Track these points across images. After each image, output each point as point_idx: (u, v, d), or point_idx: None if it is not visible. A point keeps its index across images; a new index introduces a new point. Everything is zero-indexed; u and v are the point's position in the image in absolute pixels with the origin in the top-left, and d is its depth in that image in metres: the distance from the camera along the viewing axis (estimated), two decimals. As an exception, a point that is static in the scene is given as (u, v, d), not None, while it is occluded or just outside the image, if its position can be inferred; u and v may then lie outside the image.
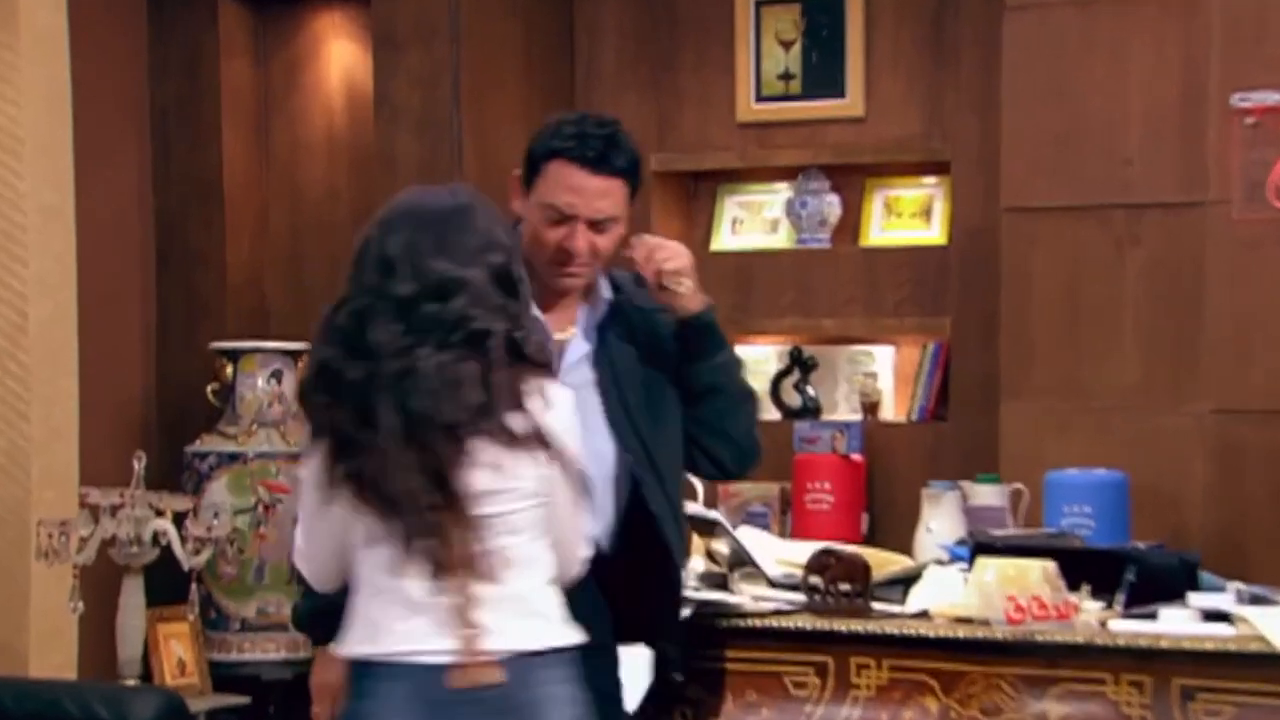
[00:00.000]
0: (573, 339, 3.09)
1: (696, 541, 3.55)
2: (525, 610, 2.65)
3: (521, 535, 2.67)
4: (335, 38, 5.77)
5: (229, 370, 5.57)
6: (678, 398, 3.13)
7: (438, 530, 2.58)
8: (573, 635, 2.73)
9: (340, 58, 5.75)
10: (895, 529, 4.87)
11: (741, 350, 4.88)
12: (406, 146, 5.23)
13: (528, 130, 3.17)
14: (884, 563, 3.68)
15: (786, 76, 5.26)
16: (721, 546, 3.70)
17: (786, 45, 5.25)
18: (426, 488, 2.59)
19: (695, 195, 5.47)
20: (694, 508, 3.61)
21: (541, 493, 2.67)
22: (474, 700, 2.59)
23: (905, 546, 4.42)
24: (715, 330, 3.13)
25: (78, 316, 4.95)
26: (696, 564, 3.57)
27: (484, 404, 2.58)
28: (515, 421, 2.60)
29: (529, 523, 2.68)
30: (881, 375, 5.40)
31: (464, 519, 2.59)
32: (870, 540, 4.95)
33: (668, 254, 3.06)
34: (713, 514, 3.70)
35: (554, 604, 2.69)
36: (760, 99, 5.30)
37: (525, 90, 5.34)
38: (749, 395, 3.21)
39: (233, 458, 5.45)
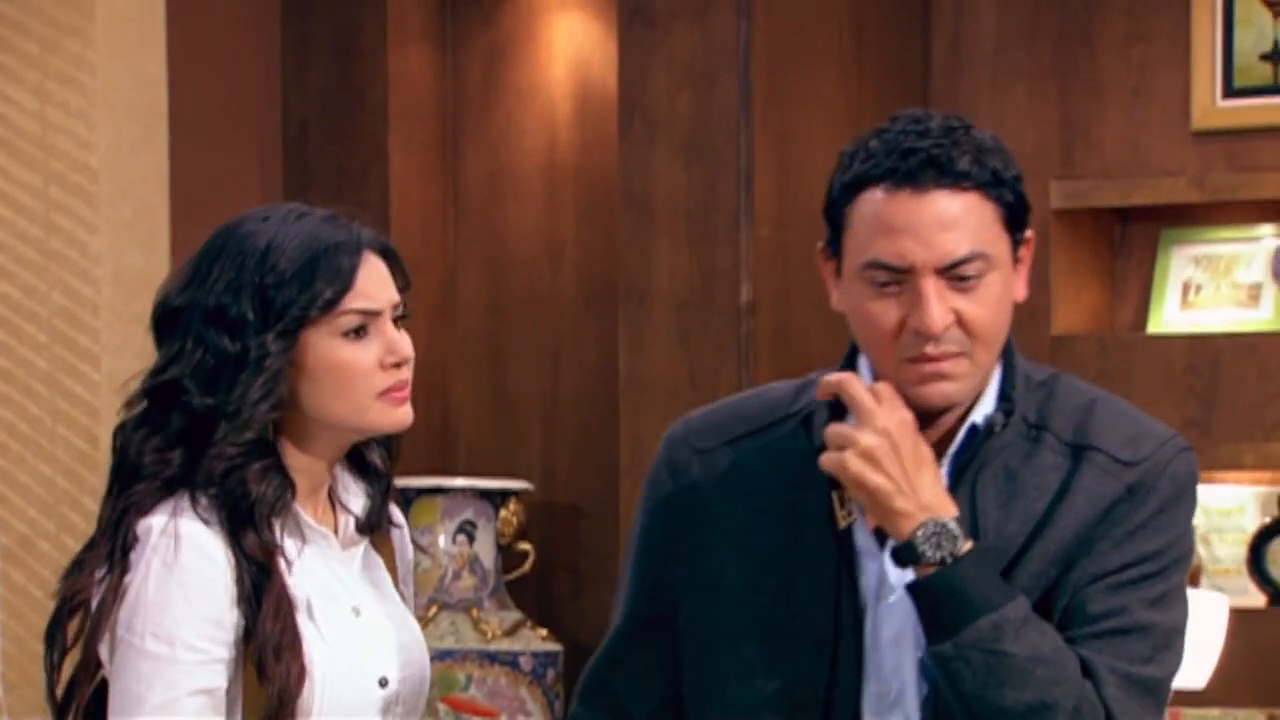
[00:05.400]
0: None
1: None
2: None
3: None
4: (561, 10, 5.10)
5: (397, 520, 4.98)
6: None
7: None
8: None
9: (569, 41, 5.10)
10: None
11: (1202, 493, 4.31)
12: (667, 179, 4.60)
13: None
14: None
15: (1276, 56, 4.55)
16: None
17: (1276, 7, 4.54)
18: None
19: (1123, 246, 4.75)
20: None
21: None
22: None
23: None
24: (941, 592, 2.27)
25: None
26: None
27: None
28: None
29: None
30: None
31: None
32: None
33: (834, 438, 2.30)
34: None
35: None
36: (1231, 93, 4.60)
37: (853, 87, 4.78)
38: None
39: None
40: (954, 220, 2.27)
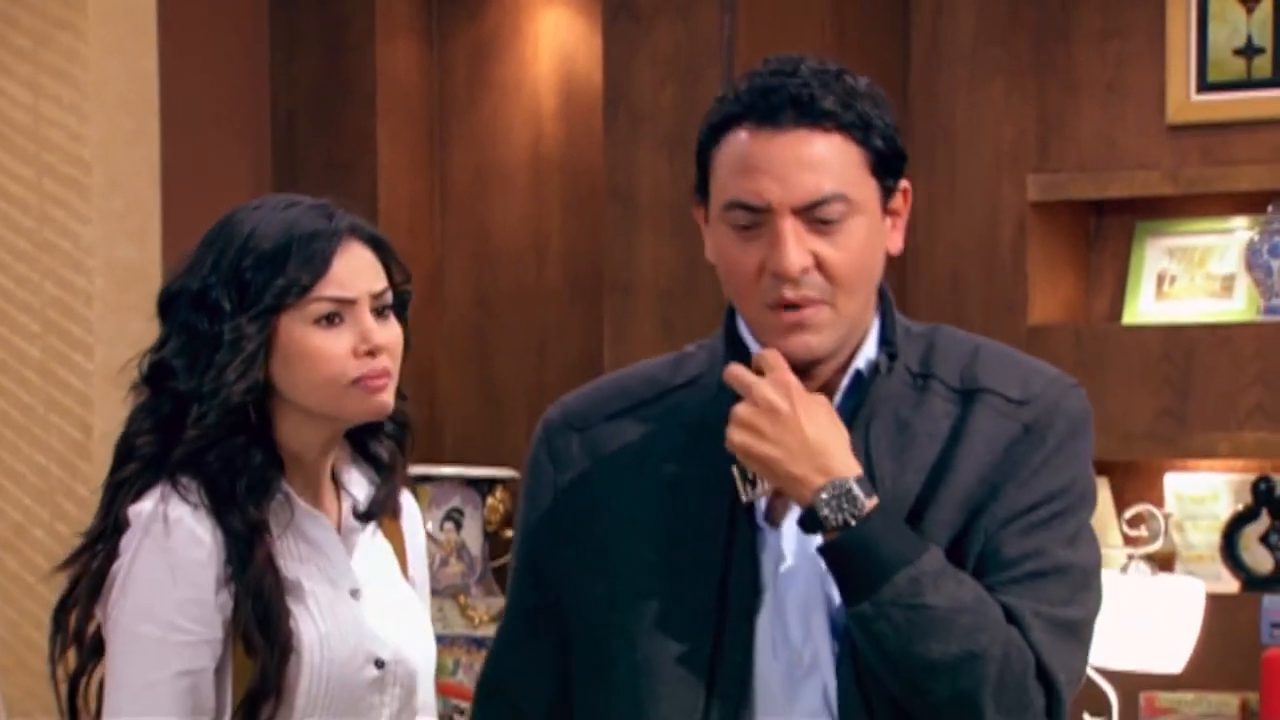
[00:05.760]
0: None
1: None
2: None
3: None
4: (547, 5, 5.04)
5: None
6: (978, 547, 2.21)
7: None
8: None
9: (554, 36, 5.05)
10: None
11: (1176, 481, 4.51)
12: (651, 172, 4.56)
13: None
14: None
15: (1249, 51, 4.51)
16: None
17: (1250, 3, 4.50)
18: None
19: (1099, 238, 4.71)
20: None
21: None
22: None
23: None
24: (852, 553, 2.17)
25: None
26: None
27: None
28: None
29: None
30: None
31: None
32: None
33: (735, 418, 2.18)
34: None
35: None
36: (1205, 87, 4.56)
37: (834, 80, 4.54)
38: (970, 661, 2.18)
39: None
40: (814, 160, 2.15)
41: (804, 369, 2.17)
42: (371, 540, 2.56)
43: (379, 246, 2.50)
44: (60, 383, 4.49)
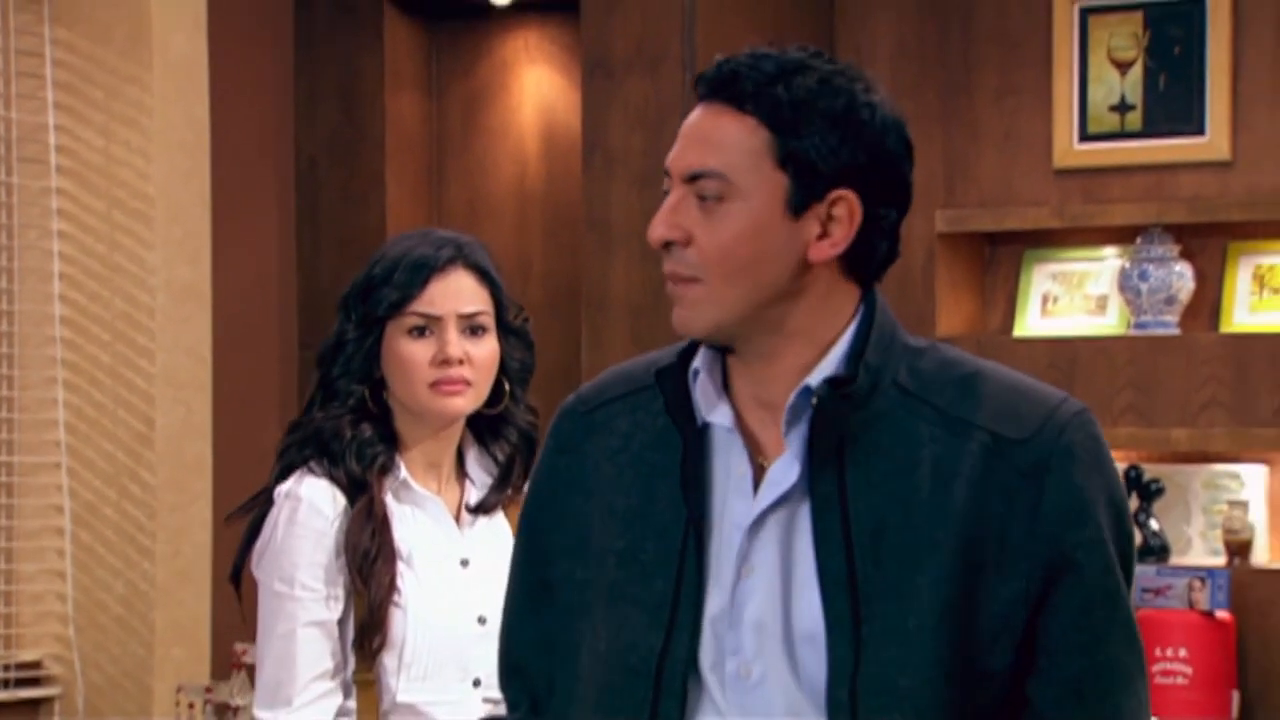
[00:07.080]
0: (778, 462, 1.94)
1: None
2: None
3: None
4: (530, 63, 5.11)
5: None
6: (951, 573, 1.92)
7: None
8: None
9: (536, 89, 5.11)
10: (1278, 711, 4.29)
11: None
12: (624, 206, 4.54)
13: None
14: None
15: (1123, 107, 4.64)
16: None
17: (1123, 66, 4.64)
18: None
19: (993, 263, 4.81)
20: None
21: None
22: None
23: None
24: None
25: (212, 426, 4.73)
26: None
27: None
28: None
29: None
30: (1253, 505, 4.63)
31: None
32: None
33: None
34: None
35: None
36: (1086, 137, 4.67)
37: (776, 129, 4.49)
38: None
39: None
40: (710, 135, 1.94)
41: (759, 380, 1.96)
42: (490, 521, 2.68)
43: (485, 277, 2.66)
44: (127, 383, 4.59)
